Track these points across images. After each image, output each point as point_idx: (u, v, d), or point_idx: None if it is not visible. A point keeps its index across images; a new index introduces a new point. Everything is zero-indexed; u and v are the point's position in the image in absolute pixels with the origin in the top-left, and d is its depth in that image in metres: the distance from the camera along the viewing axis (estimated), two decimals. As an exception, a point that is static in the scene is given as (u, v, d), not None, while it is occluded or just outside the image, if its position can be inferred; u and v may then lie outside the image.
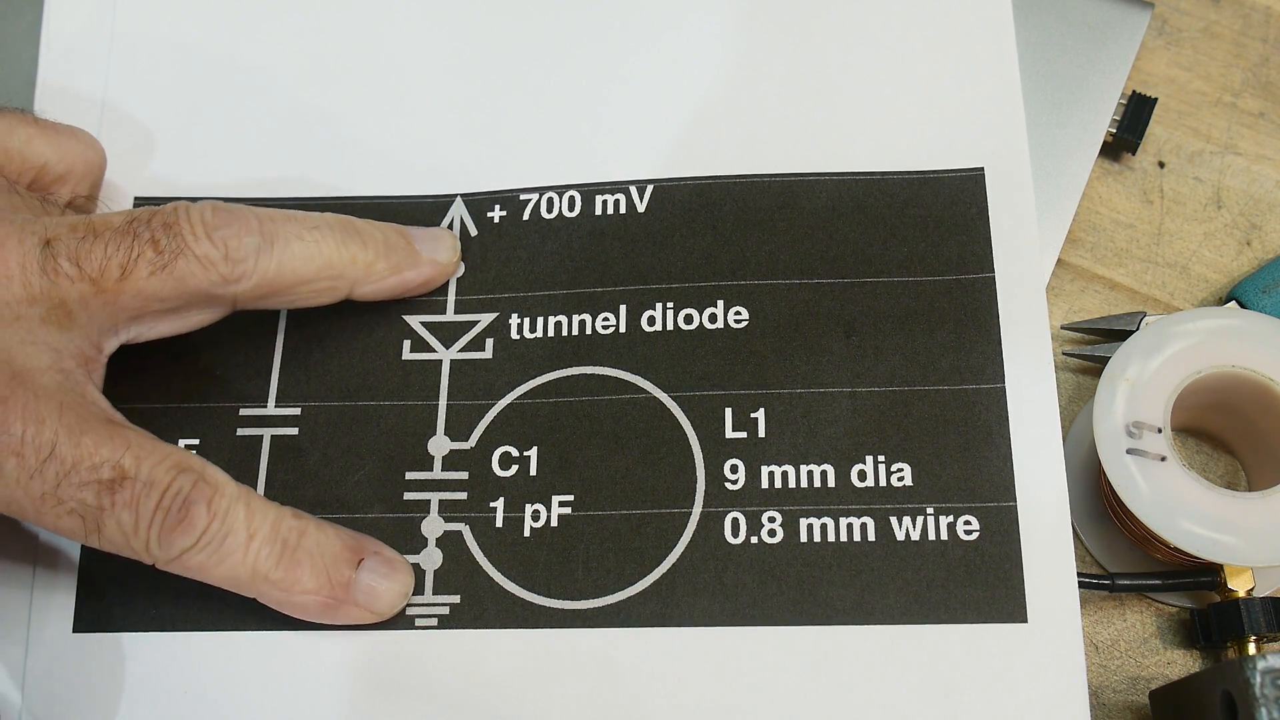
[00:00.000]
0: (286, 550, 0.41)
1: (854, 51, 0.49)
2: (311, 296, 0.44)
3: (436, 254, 0.46)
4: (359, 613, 0.42)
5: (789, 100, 0.48)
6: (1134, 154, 0.51)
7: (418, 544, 0.44)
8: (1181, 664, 0.46)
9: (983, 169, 0.47)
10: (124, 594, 0.44)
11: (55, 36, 0.50)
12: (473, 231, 0.47)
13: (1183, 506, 0.42)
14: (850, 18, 0.49)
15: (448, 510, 0.44)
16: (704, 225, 0.47)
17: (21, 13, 0.52)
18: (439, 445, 0.45)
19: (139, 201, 0.48)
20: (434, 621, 0.43)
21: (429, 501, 0.44)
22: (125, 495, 0.39)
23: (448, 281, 0.47)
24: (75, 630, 0.44)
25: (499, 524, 0.44)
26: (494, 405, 0.45)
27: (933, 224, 0.46)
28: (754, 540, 0.43)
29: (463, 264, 0.47)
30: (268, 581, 0.41)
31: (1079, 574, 0.43)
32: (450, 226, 0.47)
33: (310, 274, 0.43)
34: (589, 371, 0.45)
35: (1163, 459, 0.43)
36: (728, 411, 0.45)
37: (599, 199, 0.48)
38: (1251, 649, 0.43)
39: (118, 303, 0.41)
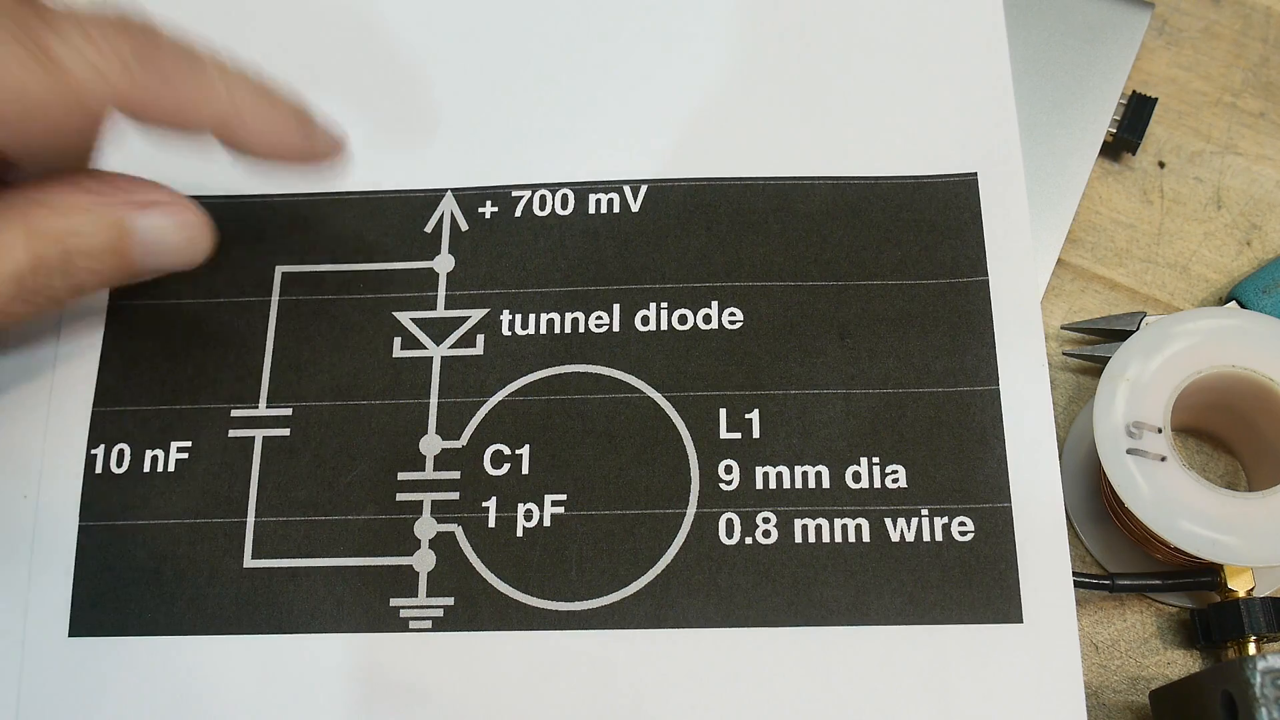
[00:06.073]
0: None
1: (849, 58, 0.49)
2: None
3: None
4: None
5: (784, 104, 0.48)
6: (1134, 154, 0.51)
7: (411, 546, 0.44)
8: (1181, 664, 0.45)
9: (976, 174, 0.47)
10: (119, 598, 0.44)
11: None
12: (463, 227, 0.47)
13: (1183, 506, 0.42)
14: (846, 23, 0.49)
15: (440, 511, 0.44)
16: (698, 226, 0.47)
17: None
18: (430, 444, 0.45)
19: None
20: (428, 624, 0.43)
21: (421, 502, 0.44)
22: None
23: (438, 277, 0.47)
24: (71, 634, 0.44)
25: (491, 524, 0.44)
26: (485, 402, 0.45)
27: (926, 228, 0.46)
28: (748, 541, 0.43)
29: (453, 258, 0.47)
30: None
31: (1079, 574, 0.43)
32: (440, 221, 0.47)
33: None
34: (582, 370, 0.45)
35: (1163, 459, 0.42)
36: (722, 412, 0.44)
37: (592, 198, 0.47)
38: (1251, 649, 0.43)
39: None
